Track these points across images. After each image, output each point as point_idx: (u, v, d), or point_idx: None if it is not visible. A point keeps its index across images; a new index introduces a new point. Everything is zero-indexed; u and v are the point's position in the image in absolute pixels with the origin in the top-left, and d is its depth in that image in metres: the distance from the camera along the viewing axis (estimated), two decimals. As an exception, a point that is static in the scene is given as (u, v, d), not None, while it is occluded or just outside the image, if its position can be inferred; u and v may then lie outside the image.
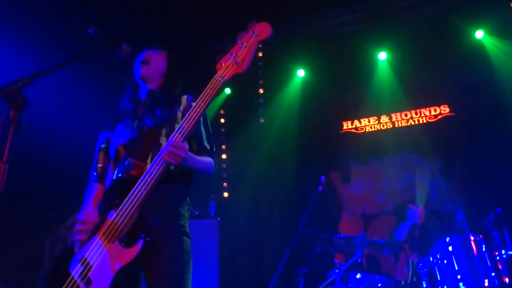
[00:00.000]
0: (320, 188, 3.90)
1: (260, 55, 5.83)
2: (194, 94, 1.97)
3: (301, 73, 6.00)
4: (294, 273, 3.78)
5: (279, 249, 4.39)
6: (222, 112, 6.16)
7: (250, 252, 5.45)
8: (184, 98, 2.01)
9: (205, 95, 1.78)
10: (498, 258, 3.18)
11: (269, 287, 3.66)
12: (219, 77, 1.81)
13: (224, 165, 5.86)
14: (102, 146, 2.01)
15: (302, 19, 5.62)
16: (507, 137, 4.73)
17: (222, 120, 6.19)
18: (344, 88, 5.67)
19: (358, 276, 3.44)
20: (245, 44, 1.85)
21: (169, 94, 2.00)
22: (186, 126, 1.72)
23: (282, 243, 4.28)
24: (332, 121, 5.90)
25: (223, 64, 1.84)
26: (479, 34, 5.23)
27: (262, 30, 1.87)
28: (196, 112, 1.75)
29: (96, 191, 1.95)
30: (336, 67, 5.66)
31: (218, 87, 1.79)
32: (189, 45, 4.86)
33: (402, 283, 3.48)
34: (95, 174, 2.00)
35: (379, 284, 3.39)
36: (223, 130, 6.13)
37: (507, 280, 3.05)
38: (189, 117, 1.73)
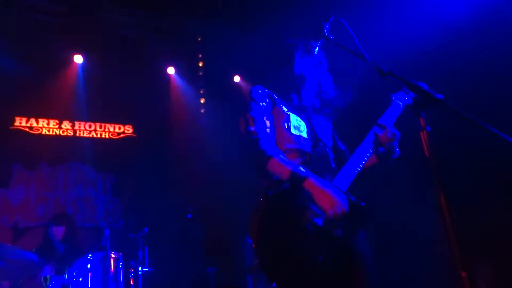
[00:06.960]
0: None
1: None
2: None
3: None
4: None
5: None
6: None
7: None
8: None
9: None
10: (133, 274, 3.38)
11: None
12: None
13: None
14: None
15: None
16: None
17: None
18: (26, 80, 4.97)
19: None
20: None
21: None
22: None
23: None
24: (2, 113, 5.02)
25: None
26: (171, 70, 5.82)
27: None
28: None
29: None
30: (27, 56, 4.95)
31: None
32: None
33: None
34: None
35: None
36: None
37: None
38: None
